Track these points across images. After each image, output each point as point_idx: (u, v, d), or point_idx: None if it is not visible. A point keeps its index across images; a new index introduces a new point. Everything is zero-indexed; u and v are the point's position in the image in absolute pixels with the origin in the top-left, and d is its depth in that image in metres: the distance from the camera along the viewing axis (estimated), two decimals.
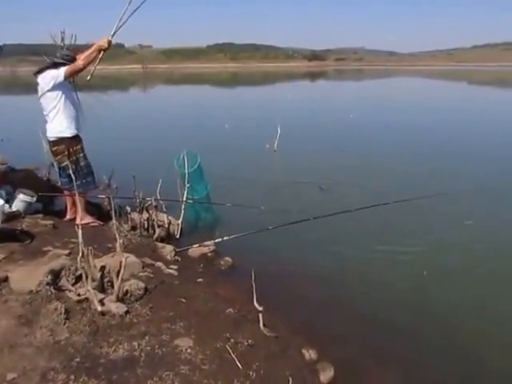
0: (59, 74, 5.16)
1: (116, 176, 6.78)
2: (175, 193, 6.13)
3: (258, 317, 3.64)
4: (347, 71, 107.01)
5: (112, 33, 5.28)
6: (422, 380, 3.59)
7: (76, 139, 5.48)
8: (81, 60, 5.18)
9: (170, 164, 6.39)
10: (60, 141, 5.39)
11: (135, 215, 5.83)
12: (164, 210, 6.05)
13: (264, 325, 3.63)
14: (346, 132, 15.96)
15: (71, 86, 5.53)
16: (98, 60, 5.24)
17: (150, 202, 5.82)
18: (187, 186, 6.20)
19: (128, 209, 5.83)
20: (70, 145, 5.42)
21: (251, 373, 3.06)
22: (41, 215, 5.79)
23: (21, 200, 5.64)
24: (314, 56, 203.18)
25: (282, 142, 11.91)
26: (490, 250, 5.75)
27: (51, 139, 5.44)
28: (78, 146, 5.49)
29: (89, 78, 5.42)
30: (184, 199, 6.11)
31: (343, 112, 21.01)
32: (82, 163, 5.53)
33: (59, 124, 5.33)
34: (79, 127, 5.53)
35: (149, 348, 3.18)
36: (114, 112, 23.41)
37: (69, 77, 5.25)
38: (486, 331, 4.15)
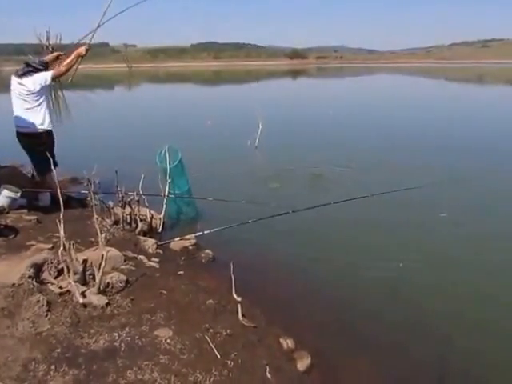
0: (47, 77, 5.79)
1: (98, 171, 6.77)
2: (157, 188, 6.17)
3: (237, 307, 3.72)
4: (329, 69, 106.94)
5: (89, 41, 6.15)
6: (396, 366, 3.69)
7: (52, 133, 6.06)
8: (63, 66, 5.93)
9: (152, 159, 6.41)
10: (40, 133, 5.88)
11: (118, 210, 5.86)
12: (146, 204, 6.08)
13: (243, 315, 3.72)
14: (326, 127, 16.03)
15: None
16: (77, 64, 6.05)
17: (132, 197, 5.85)
18: (169, 180, 6.24)
19: (110, 203, 5.86)
20: (48, 136, 5.99)
21: (229, 362, 3.15)
22: (25, 211, 5.85)
23: (5, 196, 5.69)
24: (296, 54, 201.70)
25: (263, 139, 11.97)
26: (463, 240, 5.93)
27: (40, 130, 5.85)
28: (52, 139, 6.07)
29: (70, 79, 6.21)
30: (166, 194, 6.17)
31: (323, 108, 21.17)
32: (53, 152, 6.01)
33: (42, 119, 5.85)
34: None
35: (129, 339, 3.25)
36: (98, 109, 23.28)
37: (54, 79, 5.93)
38: (460, 319, 4.29)
